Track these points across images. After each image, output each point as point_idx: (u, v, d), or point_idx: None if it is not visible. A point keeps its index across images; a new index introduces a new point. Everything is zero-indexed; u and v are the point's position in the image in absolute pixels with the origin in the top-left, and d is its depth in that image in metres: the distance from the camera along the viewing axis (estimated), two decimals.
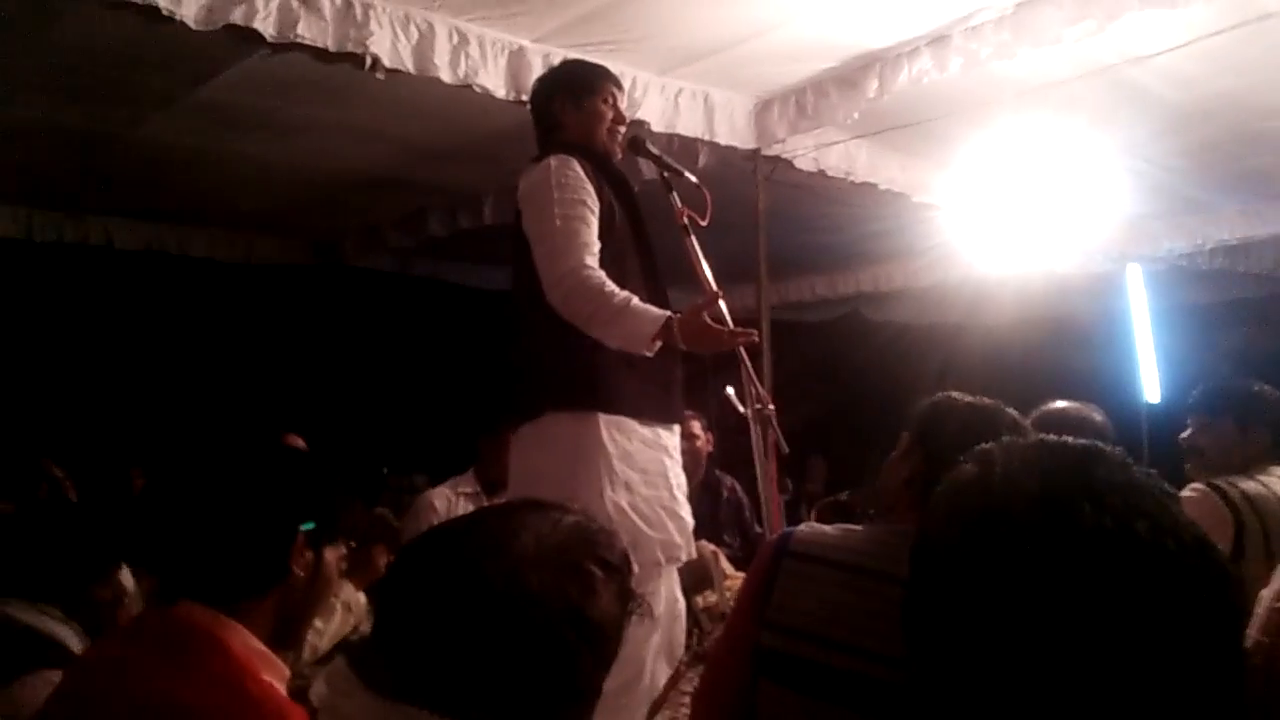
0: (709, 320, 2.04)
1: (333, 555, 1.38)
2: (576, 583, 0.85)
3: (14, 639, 1.65)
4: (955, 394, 1.37)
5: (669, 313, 2.07)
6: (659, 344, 2.06)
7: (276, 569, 1.29)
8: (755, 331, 2.11)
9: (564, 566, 0.86)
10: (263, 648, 1.27)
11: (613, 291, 2.07)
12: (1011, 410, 1.32)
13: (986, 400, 1.34)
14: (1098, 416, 1.94)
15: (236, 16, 2.62)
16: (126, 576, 2.06)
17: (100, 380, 5.22)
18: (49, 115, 3.77)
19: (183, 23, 2.54)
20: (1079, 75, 3.40)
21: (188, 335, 5.56)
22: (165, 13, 2.49)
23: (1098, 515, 0.63)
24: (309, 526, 1.34)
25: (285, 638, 1.34)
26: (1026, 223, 4.69)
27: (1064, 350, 5.54)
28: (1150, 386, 5.59)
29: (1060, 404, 1.90)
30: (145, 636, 1.31)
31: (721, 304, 2.19)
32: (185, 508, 1.34)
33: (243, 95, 3.63)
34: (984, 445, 0.72)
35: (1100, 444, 0.70)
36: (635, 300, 2.08)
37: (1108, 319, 5.79)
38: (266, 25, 2.68)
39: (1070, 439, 0.72)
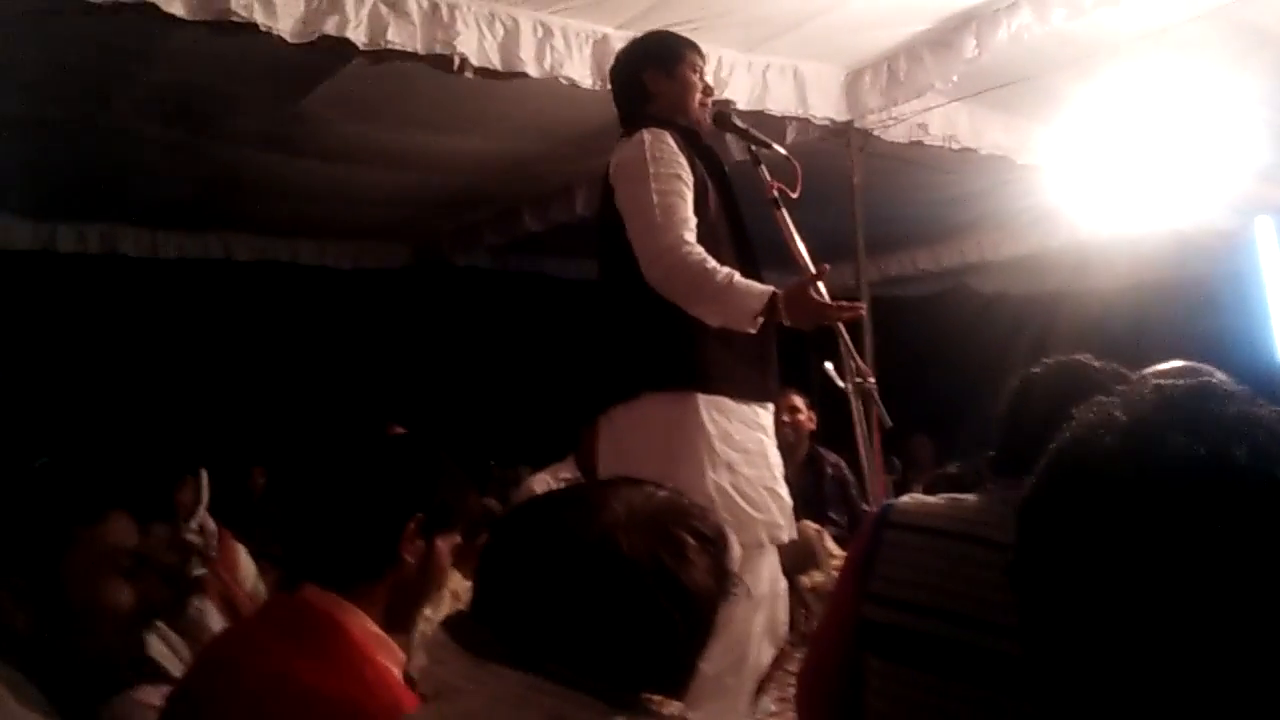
0: (814, 294, 2.00)
1: (445, 544, 1.42)
2: (668, 548, 0.86)
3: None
4: (1046, 360, 1.31)
5: (772, 289, 2.04)
6: (761, 321, 2.03)
7: (388, 554, 1.34)
8: (861, 304, 2.07)
9: (656, 532, 0.86)
10: (379, 631, 1.32)
11: (715, 268, 2.04)
12: (1098, 364, 1.25)
13: (1074, 359, 1.28)
14: (1218, 375, 1.80)
15: (329, 27, 2.71)
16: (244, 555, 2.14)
17: (223, 384, 5.51)
18: (161, 137, 3.99)
19: (280, 37, 2.64)
20: (1192, 18, 3.19)
21: (302, 339, 5.81)
22: (263, 28, 2.59)
23: (1190, 444, 0.58)
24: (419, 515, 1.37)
25: (399, 621, 1.39)
26: (1142, 178, 4.43)
27: (1187, 313, 5.22)
28: None
29: (1175, 364, 1.76)
30: (272, 619, 1.40)
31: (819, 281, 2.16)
32: (303, 496, 1.43)
33: (342, 108, 3.77)
34: (1099, 399, 0.68)
35: (1214, 382, 0.66)
36: (738, 276, 2.05)
37: (1235, 278, 5.41)
38: (358, 34, 2.76)
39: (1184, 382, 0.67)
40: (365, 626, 1.31)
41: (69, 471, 1.35)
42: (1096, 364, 1.25)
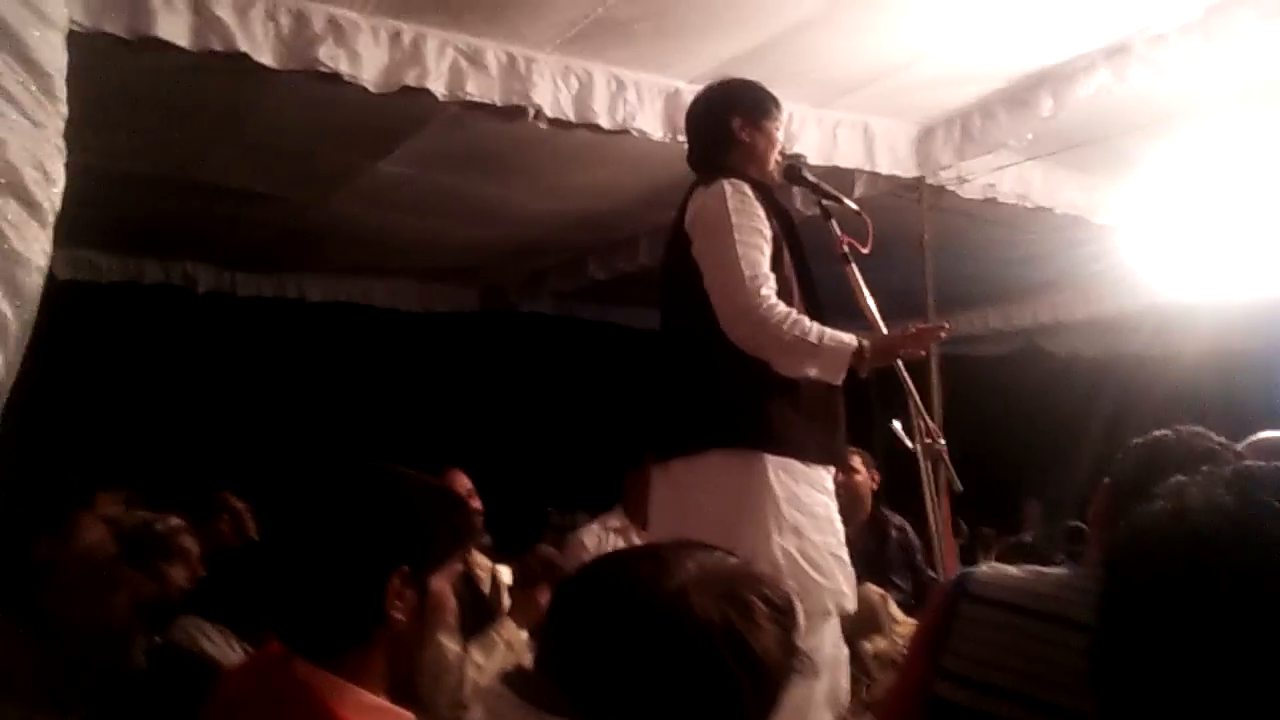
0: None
1: (442, 581, 1.28)
2: (738, 610, 0.84)
3: (198, 671, 1.70)
4: (1163, 430, 1.23)
5: (858, 339, 2.05)
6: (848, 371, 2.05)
7: (373, 616, 1.21)
8: (945, 324, 2.07)
9: (727, 594, 0.85)
10: (378, 702, 1.21)
11: (802, 319, 2.05)
12: (1217, 439, 1.18)
13: (1187, 428, 1.20)
14: None
15: (410, 79, 2.79)
16: None
17: (290, 420, 5.62)
18: (247, 187, 4.15)
19: (363, 88, 2.73)
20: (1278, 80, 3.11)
21: (369, 378, 5.92)
22: (347, 78, 2.68)
23: None
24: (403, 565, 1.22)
25: (404, 669, 1.27)
26: (1229, 242, 4.29)
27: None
28: None
29: (1272, 433, 1.64)
30: (264, 695, 1.25)
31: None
32: (272, 562, 1.32)
33: (416, 164, 3.88)
34: (1176, 478, 0.64)
35: None
36: (824, 329, 2.06)
37: None
38: (438, 85, 2.84)
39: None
40: (361, 701, 1.18)
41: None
42: (1197, 436, 1.18)
